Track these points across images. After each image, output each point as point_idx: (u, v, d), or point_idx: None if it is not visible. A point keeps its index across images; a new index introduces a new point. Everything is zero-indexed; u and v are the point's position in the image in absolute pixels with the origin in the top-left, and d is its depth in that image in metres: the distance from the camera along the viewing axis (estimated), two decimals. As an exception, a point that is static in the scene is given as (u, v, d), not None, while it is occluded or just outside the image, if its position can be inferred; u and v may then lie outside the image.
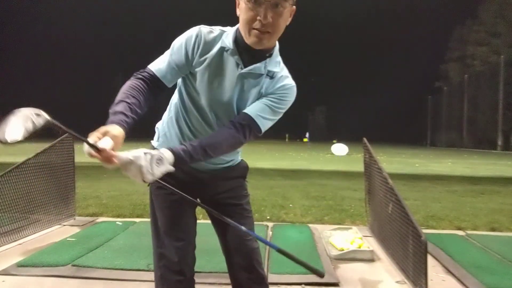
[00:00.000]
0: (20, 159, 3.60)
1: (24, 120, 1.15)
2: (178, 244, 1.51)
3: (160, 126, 1.64)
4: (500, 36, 41.24)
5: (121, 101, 1.26)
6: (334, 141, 36.45)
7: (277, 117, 1.45)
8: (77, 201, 4.39)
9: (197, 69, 1.40)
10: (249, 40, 1.33)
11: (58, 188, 3.95)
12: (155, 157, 1.15)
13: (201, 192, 1.58)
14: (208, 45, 1.39)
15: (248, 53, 1.37)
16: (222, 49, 1.39)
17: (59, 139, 3.98)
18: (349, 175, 9.58)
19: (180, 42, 1.40)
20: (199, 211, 2.20)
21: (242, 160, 1.69)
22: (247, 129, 1.36)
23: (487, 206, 5.57)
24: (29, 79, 59.97)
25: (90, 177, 7.91)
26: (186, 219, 1.56)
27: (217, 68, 1.40)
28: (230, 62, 1.40)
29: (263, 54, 1.39)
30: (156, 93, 1.39)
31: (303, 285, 2.55)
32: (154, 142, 1.63)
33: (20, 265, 2.77)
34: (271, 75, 1.42)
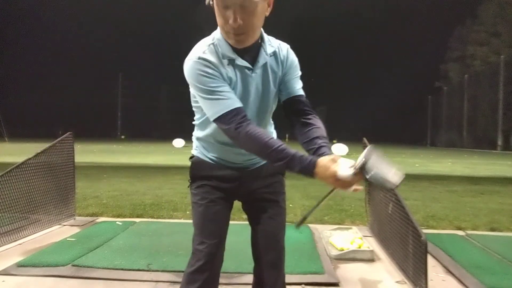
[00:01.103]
0: (20, 159, 3.60)
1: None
2: (209, 243, 1.50)
3: (195, 136, 1.66)
4: (500, 36, 41.23)
5: (278, 148, 1.30)
6: (334, 141, 36.38)
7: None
8: (77, 201, 4.39)
9: None
10: (231, 42, 1.35)
11: (58, 188, 3.95)
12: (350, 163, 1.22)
13: (241, 189, 1.60)
14: (217, 63, 1.38)
15: (244, 50, 1.39)
16: (227, 61, 1.40)
17: (59, 139, 3.99)
18: (349, 175, 9.55)
19: (203, 80, 1.35)
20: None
21: None
22: (310, 107, 1.53)
23: (487, 206, 5.57)
24: (29, 79, 59.93)
25: (90, 177, 7.91)
26: (220, 219, 1.57)
27: (233, 81, 1.42)
28: (239, 68, 1.41)
29: (256, 43, 1.41)
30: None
31: (303, 285, 2.55)
32: (193, 151, 1.68)
33: (20, 265, 2.77)
34: (272, 55, 1.47)
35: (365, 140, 3.89)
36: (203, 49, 1.39)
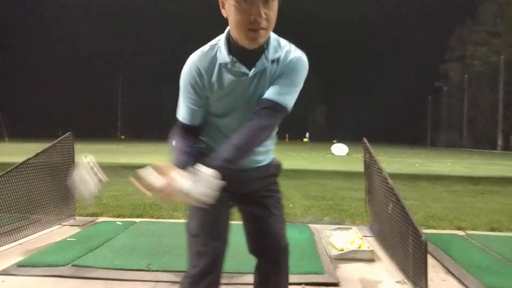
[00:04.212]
0: (20, 159, 3.60)
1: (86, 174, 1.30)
2: (215, 244, 1.48)
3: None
4: (500, 36, 41.24)
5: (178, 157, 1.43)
6: (334, 141, 36.43)
7: (298, 88, 1.43)
8: (77, 201, 4.39)
9: (211, 96, 1.44)
10: (245, 42, 1.30)
11: (58, 188, 3.95)
12: (194, 178, 1.19)
13: (235, 191, 1.57)
14: (209, 69, 1.39)
15: (246, 54, 1.35)
16: (222, 66, 1.38)
17: (59, 139, 3.99)
18: (349, 175, 9.57)
19: (184, 84, 1.43)
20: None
21: (275, 158, 1.70)
22: (271, 111, 1.36)
23: (487, 206, 5.57)
24: (30, 79, 59.92)
25: (90, 177, 7.91)
26: (223, 220, 1.56)
27: (227, 87, 1.41)
28: (235, 73, 1.39)
29: (261, 48, 1.37)
30: (197, 134, 1.52)
31: (303, 285, 2.55)
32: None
33: (20, 265, 2.77)
34: (275, 61, 1.40)
35: (365, 140, 3.89)
36: (201, 50, 1.41)
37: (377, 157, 3.54)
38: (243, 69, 1.37)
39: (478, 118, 42.04)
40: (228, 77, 1.39)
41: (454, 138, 45.79)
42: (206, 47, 1.41)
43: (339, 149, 21.48)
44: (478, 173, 11.42)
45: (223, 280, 1.54)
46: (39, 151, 3.70)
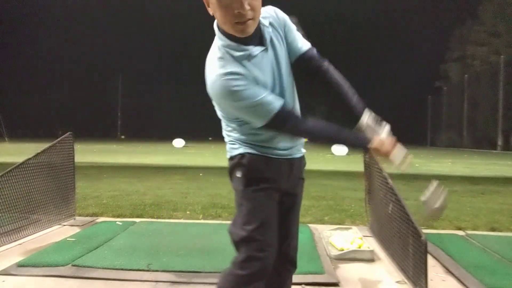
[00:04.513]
0: (20, 159, 3.59)
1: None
2: (269, 251, 1.45)
3: (237, 138, 1.53)
4: (500, 36, 41.26)
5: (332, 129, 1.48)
6: (334, 141, 36.35)
7: None
8: (77, 201, 4.39)
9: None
10: (237, 33, 1.32)
11: (58, 188, 3.95)
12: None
13: (283, 185, 1.55)
14: (244, 71, 1.36)
15: (251, 37, 1.37)
16: (246, 59, 1.37)
17: (59, 139, 3.99)
18: (349, 175, 9.57)
19: (235, 94, 1.33)
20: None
21: None
22: (319, 55, 1.56)
23: (487, 206, 5.57)
24: (30, 79, 59.92)
25: (90, 177, 7.91)
26: (275, 226, 1.52)
27: (265, 71, 1.41)
28: (259, 58, 1.39)
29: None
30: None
31: (303, 285, 2.54)
32: (237, 150, 1.52)
33: (20, 265, 2.76)
34: (270, 24, 1.46)
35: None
36: (220, 63, 1.35)
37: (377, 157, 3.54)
38: (261, 48, 1.39)
39: (478, 118, 42.04)
40: (255, 64, 1.38)
41: (454, 138, 45.81)
42: (217, 60, 1.37)
43: (339, 149, 21.47)
44: (478, 173, 11.42)
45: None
46: (39, 151, 3.69)
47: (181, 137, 30.95)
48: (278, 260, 1.53)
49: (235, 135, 1.52)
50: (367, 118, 1.49)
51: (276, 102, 1.36)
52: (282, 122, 1.38)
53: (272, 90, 1.42)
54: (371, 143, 1.45)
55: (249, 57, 1.37)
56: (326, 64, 1.53)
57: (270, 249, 1.45)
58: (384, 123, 1.52)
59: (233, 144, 1.53)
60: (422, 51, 61.43)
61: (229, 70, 1.33)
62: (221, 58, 1.36)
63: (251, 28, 1.31)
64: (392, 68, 66.13)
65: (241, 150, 1.51)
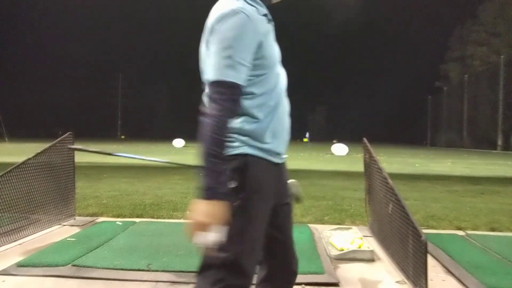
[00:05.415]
0: (20, 159, 3.59)
1: None
2: (251, 276, 1.30)
3: (241, 128, 1.29)
4: (500, 36, 41.23)
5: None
6: (334, 141, 36.49)
7: None
8: (77, 201, 4.39)
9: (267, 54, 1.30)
10: None
11: (58, 188, 3.95)
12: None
13: (281, 192, 1.44)
14: (263, 28, 1.28)
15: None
16: (265, 19, 1.32)
17: (59, 139, 3.99)
18: (349, 175, 9.57)
19: (239, 38, 1.20)
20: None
21: None
22: None
23: (487, 206, 5.57)
24: (29, 79, 59.91)
25: (90, 177, 7.92)
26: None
27: (271, 42, 1.34)
28: (271, 25, 1.35)
29: None
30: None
31: (303, 285, 2.54)
32: (237, 149, 1.28)
33: (20, 265, 2.77)
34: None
35: (365, 140, 3.89)
36: (245, 5, 1.25)
37: (377, 157, 3.54)
38: (270, 17, 1.36)
39: (478, 118, 42.03)
40: (268, 30, 1.33)
41: (454, 138, 45.80)
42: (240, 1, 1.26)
43: (339, 149, 21.49)
44: (478, 173, 11.41)
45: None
46: (39, 151, 3.69)
47: (181, 137, 30.96)
48: (285, 277, 1.46)
49: (236, 124, 1.26)
50: None
51: (239, 76, 1.20)
52: (221, 93, 1.18)
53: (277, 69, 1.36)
54: (209, 197, 1.13)
55: (266, 18, 1.33)
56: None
57: (250, 280, 1.28)
58: None
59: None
60: (422, 51, 61.49)
61: (254, 16, 1.24)
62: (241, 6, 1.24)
63: None
64: (392, 68, 66.17)
65: (242, 149, 1.27)
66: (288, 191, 1.52)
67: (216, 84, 1.19)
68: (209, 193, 1.12)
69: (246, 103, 1.26)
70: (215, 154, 1.14)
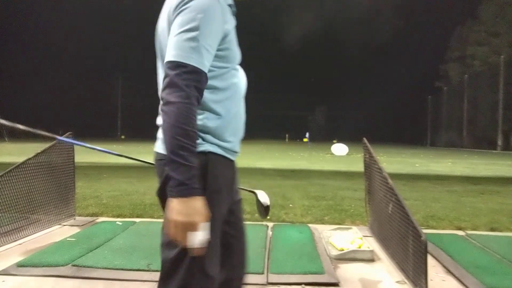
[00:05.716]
0: (20, 159, 3.60)
1: None
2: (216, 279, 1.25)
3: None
4: (500, 36, 41.22)
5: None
6: (334, 141, 36.47)
7: None
8: (77, 201, 4.39)
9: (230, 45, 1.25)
10: None
11: (58, 188, 3.95)
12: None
13: (236, 190, 1.41)
14: (227, 14, 1.23)
15: None
16: (230, 10, 1.26)
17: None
18: (349, 175, 9.57)
19: (207, 21, 1.13)
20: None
21: None
22: None
23: (487, 206, 5.57)
24: (29, 79, 59.94)
25: (90, 177, 7.91)
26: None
27: (233, 35, 1.27)
28: (233, 17, 1.30)
29: None
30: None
31: (303, 285, 2.55)
32: (202, 146, 1.21)
33: (20, 265, 2.77)
34: None
35: (365, 140, 3.89)
36: None
37: (377, 157, 3.54)
38: (233, 7, 1.31)
39: (478, 118, 42.02)
40: (233, 20, 1.29)
41: (454, 138, 45.79)
42: None
43: (339, 149, 21.48)
44: (478, 173, 11.41)
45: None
46: (39, 151, 3.70)
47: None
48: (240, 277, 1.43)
49: (198, 121, 1.17)
50: None
51: (202, 62, 1.11)
52: (184, 78, 1.07)
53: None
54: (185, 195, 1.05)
55: (231, 8, 1.27)
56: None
57: (215, 283, 1.23)
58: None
59: None
60: (422, 51, 61.45)
61: (226, 2, 1.22)
62: None
63: None
64: (392, 68, 66.18)
65: (204, 147, 1.20)
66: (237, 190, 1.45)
67: (176, 66, 1.08)
68: (185, 190, 1.04)
69: (208, 97, 1.19)
70: (186, 147, 1.04)
